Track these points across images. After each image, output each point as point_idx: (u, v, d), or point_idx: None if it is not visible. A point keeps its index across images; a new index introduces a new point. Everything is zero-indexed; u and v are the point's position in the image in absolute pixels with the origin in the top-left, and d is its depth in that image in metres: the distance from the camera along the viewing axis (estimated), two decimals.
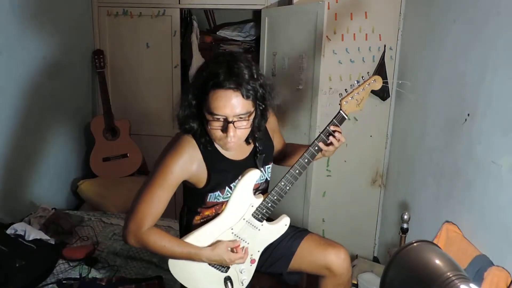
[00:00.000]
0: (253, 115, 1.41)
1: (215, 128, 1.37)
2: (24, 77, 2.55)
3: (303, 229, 1.79)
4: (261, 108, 1.43)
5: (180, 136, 1.50)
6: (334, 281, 1.68)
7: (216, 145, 1.50)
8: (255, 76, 1.36)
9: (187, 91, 1.43)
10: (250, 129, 1.43)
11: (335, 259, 1.63)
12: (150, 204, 1.43)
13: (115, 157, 3.19)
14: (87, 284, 1.92)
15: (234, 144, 1.42)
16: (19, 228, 2.17)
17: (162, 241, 1.46)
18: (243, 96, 1.33)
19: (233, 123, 1.35)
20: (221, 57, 1.40)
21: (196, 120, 1.43)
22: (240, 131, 1.38)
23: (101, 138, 3.18)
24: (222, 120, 1.35)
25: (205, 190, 1.51)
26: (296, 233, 1.72)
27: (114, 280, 1.95)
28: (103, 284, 1.91)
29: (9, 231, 2.16)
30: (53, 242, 2.18)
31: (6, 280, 1.84)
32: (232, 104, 1.32)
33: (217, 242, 1.53)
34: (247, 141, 1.53)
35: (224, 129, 1.36)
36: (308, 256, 1.66)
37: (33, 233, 2.15)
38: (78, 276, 1.97)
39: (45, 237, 2.18)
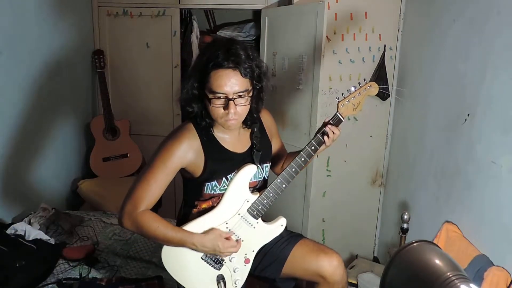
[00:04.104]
0: (251, 93, 1.49)
1: (217, 106, 1.46)
2: (24, 77, 2.55)
3: (298, 234, 1.78)
4: (257, 87, 1.52)
5: (182, 125, 1.58)
6: None
7: (215, 135, 1.57)
8: (251, 57, 1.47)
9: (188, 75, 1.52)
10: (248, 106, 1.51)
11: (328, 266, 1.61)
12: (147, 187, 1.49)
13: (115, 157, 3.19)
14: (87, 284, 1.91)
15: (235, 122, 1.49)
16: (19, 228, 2.18)
17: (156, 223, 1.49)
18: (241, 74, 1.43)
19: (233, 100, 1.44)
20: (218, 41, 1.54)
21: (197, 102, 1.51)
22: (239, 108, 1.47)
23: (101, 138, 3.18)
24: (223, 98, 1.44)
25: (202, 179, 1.55)
26: (290, 237, 1.71)
27: (114, 280, 1.95)
28: (103, 284, 1.91)
29: (9, 231, 2.16)
30: (53, 242, 2.18)
31: (6, 280, 1.84)
32: (232, 82, 1.43)
33: (211, 229, 1.54)
34: (245, 123, 1.59)
35: (225, 107, 1.45)
36: (300, 262, 1.65)
37: (33, 233, 2.16)
38: (78, 276, 1.97)
39: (45, 237, 2.19)
